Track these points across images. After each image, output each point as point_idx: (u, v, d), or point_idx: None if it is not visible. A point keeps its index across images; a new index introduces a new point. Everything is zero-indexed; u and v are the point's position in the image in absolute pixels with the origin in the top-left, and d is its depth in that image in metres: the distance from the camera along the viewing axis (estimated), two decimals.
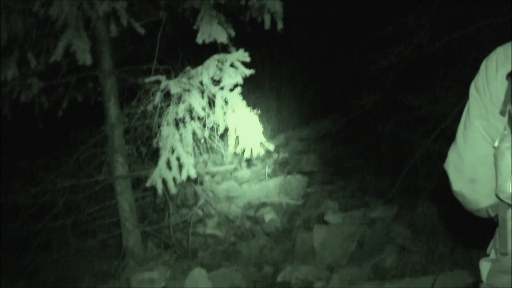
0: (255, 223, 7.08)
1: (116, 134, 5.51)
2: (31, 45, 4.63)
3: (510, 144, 1.73)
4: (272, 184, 8.12)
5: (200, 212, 6.59)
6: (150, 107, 4.96)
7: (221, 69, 4.74)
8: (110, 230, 6.04)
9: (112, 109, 5.51)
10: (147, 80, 4.79)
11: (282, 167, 9.55)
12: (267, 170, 9.07)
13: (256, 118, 4.72)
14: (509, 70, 1.75)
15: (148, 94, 5.13)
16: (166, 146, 4.54)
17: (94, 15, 4.39)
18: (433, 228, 5.92)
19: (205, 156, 6.74)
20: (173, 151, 4.57)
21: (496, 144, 1.79)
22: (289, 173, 8.83)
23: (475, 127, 1.87)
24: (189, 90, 4.71)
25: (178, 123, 4.74)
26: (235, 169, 9.27)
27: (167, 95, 4.88)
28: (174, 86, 4.65)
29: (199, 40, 4.73)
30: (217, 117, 4.66)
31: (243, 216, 7.23)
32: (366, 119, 8.07)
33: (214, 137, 5.05)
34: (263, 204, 7.61)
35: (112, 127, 5.51)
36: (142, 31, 4.59)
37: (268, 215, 7.15)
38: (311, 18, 12.27)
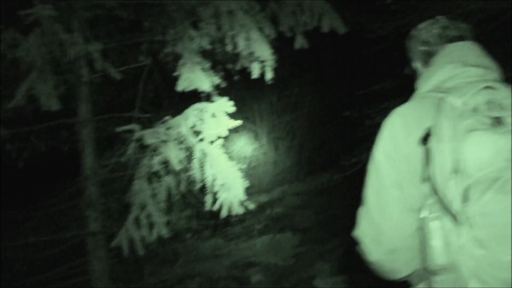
0: (240, 284, 6.67)
1: (90, 186, 5.14)
2: None
3: (438, 213, 1.59)
4: (261, 242, 7.75)
5: (180, 272, 6.19)
6: (124, 159, 4.60)
7: (202, 119, 4.42)
8: None
9: (87, 159, 5.13)
10: (121, 129, 4.45)
11: (275, 222, 9.23)
12: (259, 226, 8.72)
13: (239, 174, 4.37)
14: (420, 135, 1.63)
15: (124, 145, 4.79)
16: (136, 203, 4.15)
17: (66, 58, 4.05)
18: None
19: (188, 211, 6.37)
20: (143, 208, 4.18)
21: (423, 214, 1.66)
22: (281, 229, 8.49)
23: (392, 196, 1.73)
24: (165, 141, 4.36)
25: (152, 177, 4.38)
26: (224, 224, 8.90)
27: (145, 146, 4.54)
28: (149, 137, 4.32)
29: (180, 87, 4.42)
30: (195, 171, 4.31)
31: (228, 277, 6.83)
32: (363, 176, 7.74)
33: (192, 192, 4.67)
34: (251, 264, 7.22)
35: (86, 178, 5.13)
36: (118, 76, 4.26)
37: (255, 276, 6.76)
38: (310, 72, 12.21)
